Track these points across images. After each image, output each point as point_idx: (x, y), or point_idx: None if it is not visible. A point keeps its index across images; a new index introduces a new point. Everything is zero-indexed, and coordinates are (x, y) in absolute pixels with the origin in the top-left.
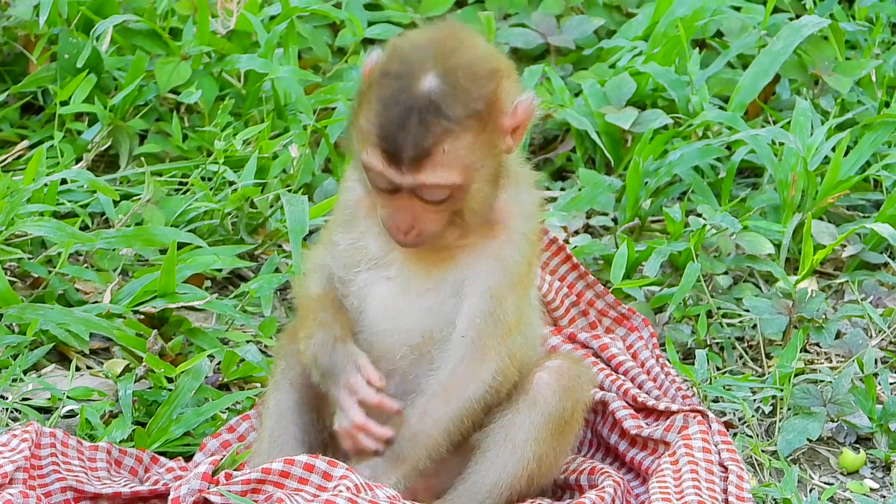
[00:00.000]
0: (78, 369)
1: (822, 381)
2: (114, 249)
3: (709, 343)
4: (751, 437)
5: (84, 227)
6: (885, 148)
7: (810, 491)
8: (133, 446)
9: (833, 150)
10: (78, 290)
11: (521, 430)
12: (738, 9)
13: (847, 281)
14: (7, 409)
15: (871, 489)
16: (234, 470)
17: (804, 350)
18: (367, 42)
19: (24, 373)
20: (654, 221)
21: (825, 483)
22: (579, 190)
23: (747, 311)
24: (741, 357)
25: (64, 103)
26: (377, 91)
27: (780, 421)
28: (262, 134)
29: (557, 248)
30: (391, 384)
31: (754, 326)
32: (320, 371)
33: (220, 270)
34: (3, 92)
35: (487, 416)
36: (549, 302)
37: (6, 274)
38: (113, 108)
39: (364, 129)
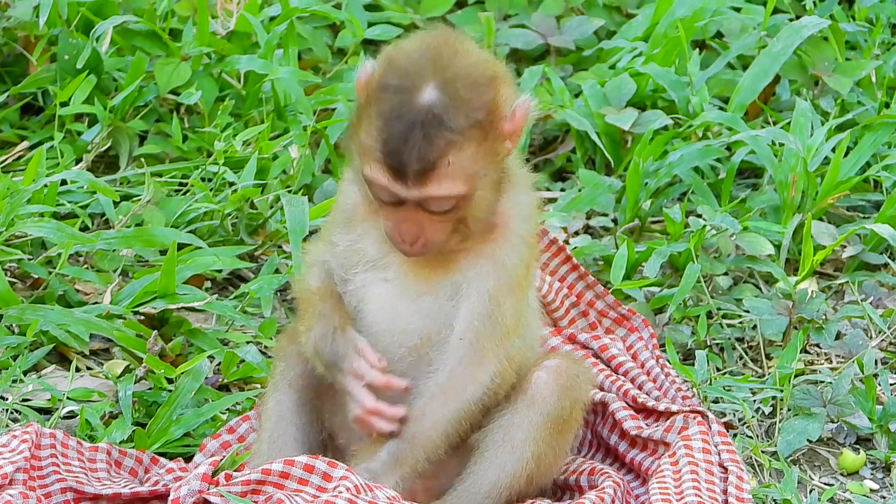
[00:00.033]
0: (78, 370)
1: (822, 381)
2: (114, 250)
3: (709, 344)
4: (751, 437)
5: (84, 228)
6: (885, 149)
7: (810, 492)
8: (133, 447)
9: (833, 150)
10: (78, 290)
11: (520, 430)
12: (738, 9)
13: (847, 282)
14: (7, 410)
15: (871, 490)
16: (234, 471)
17: (804, 351)
18: (367, 43)
19: (24, 374)
20: (654, 222)
21: (825, 484)
22: (579, 191)
23: (747, 311)
24: (741, 358)
25: (64, 104)
26: (377, 105)
27: (780, 422)
28: (262, 135)
29: (557, 249)
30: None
31: (754, 327)
32: (323, 362)
33: (220, 271)
34: (3, 93)
35: (486, 417)
36: (549, 303)
37: (6, 275)
38: (113, 109)
39: (366, 145)
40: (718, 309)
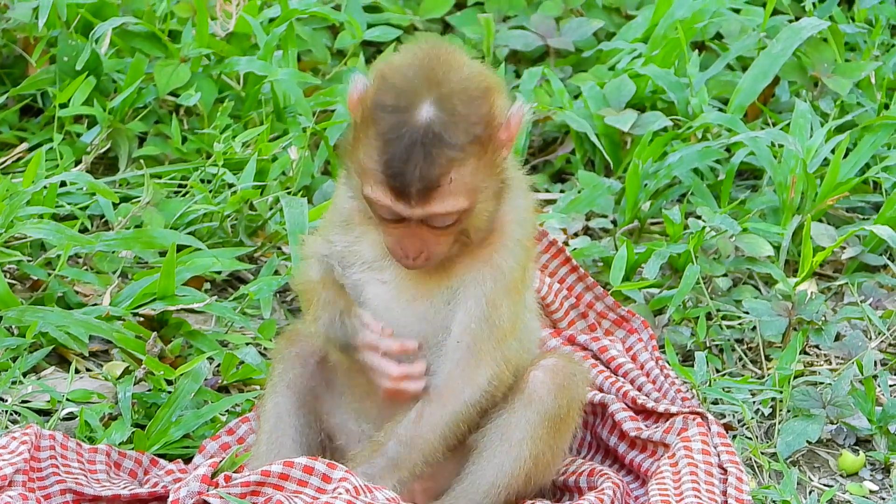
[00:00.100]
0: (77, 371)
1: (821, 383)
2: (113, 252)
3: (708, 345)
4: (750, 439)
5: (83, 230)
6: (885, 150)
7: (810, 493)
8: (132, 448)
9: (832, 152)
10: (77, 292)
11: (518, 429)
12: (737, 11)
13: (846, 283)
14: (6, 412)
15: (871, 491)
16: (234, 472)
17: (804, 352)
18: (367, 44)
19: (24, 375)
20: (653, 223)
21: (824, 485)
22: (579, 192)
23: (747, 313)
24: (741, 359)
25: (63, 106)
26: (375, 126)
27: (779, 423)
28: (262, 136)
29: (557, 251)
30: (381, 396)
31: (754, 328)
32: (337, 346)
33: (219, 273)
34: (2, 94)
35: (483, 418)
36: (549, 304)
37: (6, 276)
38: (112, 111)
39: (366, 166)
40: (718, 310)
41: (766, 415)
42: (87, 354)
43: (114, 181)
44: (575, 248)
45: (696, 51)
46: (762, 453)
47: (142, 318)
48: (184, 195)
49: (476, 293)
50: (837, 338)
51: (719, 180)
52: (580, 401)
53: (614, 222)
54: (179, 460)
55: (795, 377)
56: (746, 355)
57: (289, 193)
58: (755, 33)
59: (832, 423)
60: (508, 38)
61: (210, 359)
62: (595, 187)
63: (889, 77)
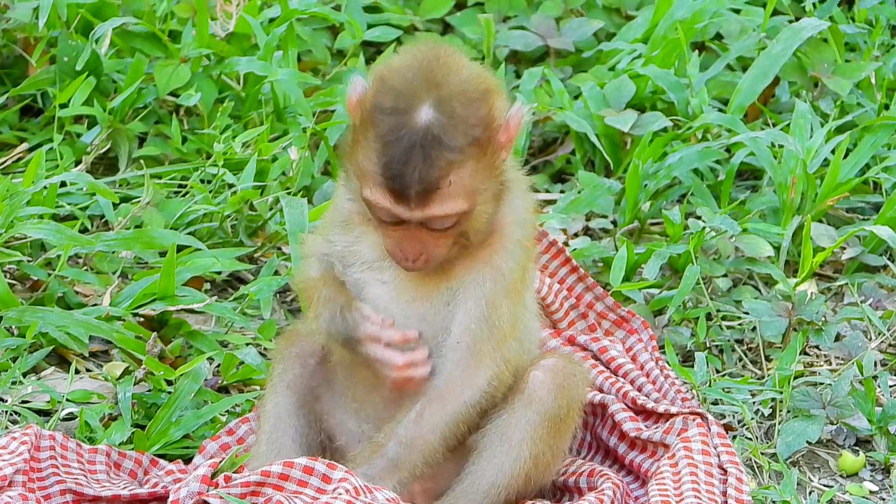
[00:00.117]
0: (77, 372)
1: (821, 383)
2: (113, 252)
3: (708, 345)
4: (750, 439)
5: (83, 230)
6: (885, 150)
7: (810, 493)
8: (132, 449)
9: (832, 152)
10: (77, 292)
11: (517, 430)
12: (737, 11)
13: (846, 283)
14: (6, 412)
15: (871, 492)
16: (234, 472)
17: (804, 352)
18: (367, 44)
19: (24, 375)
20: (653, 224)
21: (824, 485)
22: (579, 192)
23: (747, 313)
24: (741, 359)
25: (63, 106)
26: (374, 128)
27: (779, 423)
28: (262, 136)
29: (557, 251)
30: (388, 388)
31: (754, 329)
32: (339, 341)
33: (219, 273)
34: (2, 94)
35: (483, 418)
36: (549, 304)
37: (6, 276)
38: (112, 111)
39: (365, 168)
40: (718, 311)
41: (765, 415)
42: (87, 355)
43: (114, 181)
44: (575, 249)
45: (697, 51)
46: (762, 454)
47: (142, 319)
48: (184, 195)
49: (476, 294)
50: (837, 338)
51: (719, 181)
52: (580, 401)
53: (614, 223)
54: (179, 461)
55: (795, 378)
56: (746, 356)
57: (289, 194)
58: (755, 34)
59: (832, 423)
60: (508, 38)
61: (210, 359)
62: (595, 188)
63: (889, 77)
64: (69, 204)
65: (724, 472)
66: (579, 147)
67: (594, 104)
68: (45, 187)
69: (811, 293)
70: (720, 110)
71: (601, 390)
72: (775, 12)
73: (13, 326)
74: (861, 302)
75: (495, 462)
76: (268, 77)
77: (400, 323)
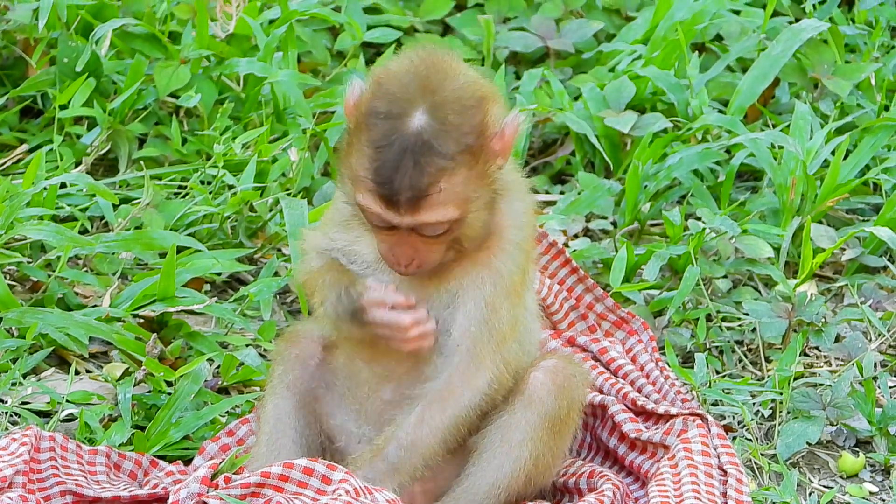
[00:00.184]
0: (77, 373)
1: (821, 384)
2: (113, 253)
3: (708, 347)
4: (750, 440)
5: (83, 231)
6: (885, 151)
7: (809, 494)
8: (132, 450)
9: (832, 153)
10: (77, 293)
11: (518, 431)
12: (737, 12)
13: (846, 284)
14: (6, 413)
15: (871, 493)
16: (234, 474)
17: (803, 354)
18: (367, 46)
19: (24, 376)
20: (653, 225)
21: (824, 486)
22: (579, 193)
23: (747, 314)
24: (740, 361)
25: (63, 107)
26: (367, 132)
27: (779, 424)
28: (262, 138)
29: (557, 252)
30: (387, 390)
31: (753, 330)
32: (346, 320)
33: (219, 274)
34: (2, 96)
35: (484, 420)
36: (549, 306)
37: (6, 278)
38: (112, 112)
39: (357, 173)
40: (718, 312)
41: (765, 416)
42: (86, 356)
43: (114, 182)
44: (575, 250)
45: (696, 52)
46: (762, 455)
47: (142, 320)
48: (184, 197)
49: (475, 296)
50: (837, 339)
51: (719, 182)
52: (580, 402)
53: (614, 224)
54: (179, 462)
55: (795, 379)
56: (746, 357)
57: (289, 195)
58: (755, 35)
59: (832, 424)
60: (508, 39)
61: (210, 360)
62: (595, 189)
63: (889, 79)
64: (69, 205)
65: (724, 473)
66: (579, 148)
67: (594, 105)
68: (45, 188)
69: (811, 294)
70: (720, 111)
71: (601, 391)
72: (775, 13)
73: (13, 328)
74: (861, 303)
75: (495, 463)
76: (268, 78)
77: None
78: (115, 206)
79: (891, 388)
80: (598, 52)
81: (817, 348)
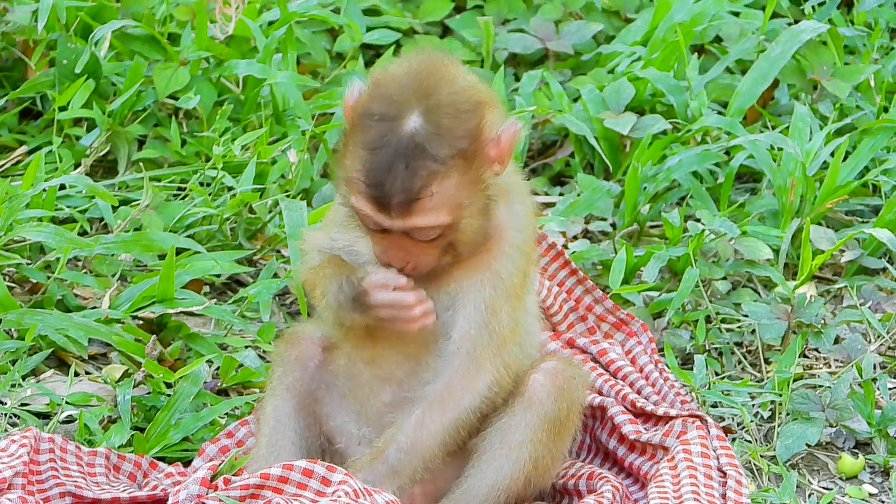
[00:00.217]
0: (76, 374)
1: (820, 386)
2: (112, 255)
3: (707, 348)
4: (749, 442)
5: (83, 233)
6: (884, 153)
7: (809, 496)
8: (132, 451)
9: (832, 155)
10: (77, 295)
11: (517, 432)
12: (736, 14)
13: (846, 286)
14: (6, 415)
15: (870, 494)
16: (233, 475)
17: (803, 355)
18: (366, 47)
19: (23, 378)
20: (652, 227)
21: (824, 488)
22: (578, 195)
23: (746, 316)
24: (740, 362)
25: (62, 109)
26: (361, 134)
27: (778, 426)
28: (261, 139)
29: (556, 254)
30: (388, 392)
31: (753, 332)
32: (348, 309)
33: (218, 276)
34: (1, 97)
35: (483, 422)
36: (548, 307)
37: (5, 279)
38: (111, 114)
39: (351, 174)
40: (717, 313)
41: (765, 418)
42: (86, 357)
43: (113, 184)
44: (574, 252)
45: (696, 54)
46: (761, 456)
47: (141, 321)
48: (183, 198)
49: (475, 299)
50: (837, 341)
51: (718, 183)
52: (580, 404)
53: (613, 225)
54: (178, 463)
55: (795, 380)
56: (746, 358)
57: (288, 196)
58: (754, 36)
59: (831, 426)
60: (508, 41)
61: (209, 362)
62: (594, 190)
63: (888, 80)
64: (68, 207)
65: (724, 474)
66: (578, 150)
67: (593, 107)
68: (44, 190)
69: (810, 296)
70: (719, 113)
71: (600, 393)
72: (774, 15)
73: (12, 329)
74: (860, 305)
75: (495, 465)
76: (267, 80)
77: None
78: (114, 208)
79: (890, 389)
80: (597, 54)
81: (817, 350)
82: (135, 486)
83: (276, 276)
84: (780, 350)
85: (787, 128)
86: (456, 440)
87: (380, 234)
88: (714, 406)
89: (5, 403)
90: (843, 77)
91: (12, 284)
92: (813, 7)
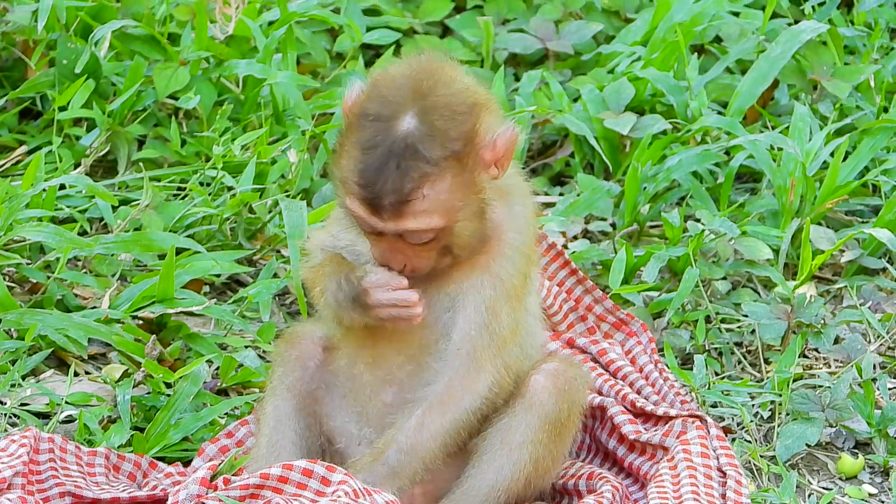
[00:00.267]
0: (76, 374)
1: (820, 386)
2: (112, 255)
3: (707, 348)
4: (749, 442)
5: (83, 233)
6: (884, 153)
7: (809, 496)
8: (131, 451)
9: (832, 155)
10: (76, 295)
11: (518, 433)
12: (736, 14)
13: (846, 286)
14: (6, 415)
15: (870, 494)
16: (233, 475)
17: (803, 355)
18: (366, 47)
19: (23, 378)
20: (652, 227)
21: (824, 488)
22: (578, 195)
23: (746, 316)
24: (740, 362)
25: (62, 109)
26: (357, 133)
27: (778, 426)
28: (261, 139)
29: (556, 254)
30: (389, 393)
31: (753, 332)
32: (347, 307)
33: (218, 276)
34: (1, 97)
35: (484, 423)
36: (548, 307)
37: (5, 279)
38: (111, 114)
39: (345, 175)
40: (717, 313)
41: (765, 418)
42: (86, 357)
43: (113, 184)
44: (574, 252)
45: (696, 54)
46: (761, 456)
47: (141, 321)
48: (183, 198)
49: (475, 300)
50: (836, 341)
51: (718, 183)
52: (581, 405)
53: (613, 225)
54: (178, 463)
55: (794, 380)
56: (745, 358)
57: (288, 196)
58: (754, 36)
59: (831, 426)
60: (508, 41)
61: (209, 362)
62: (594, 190)
63: (888, 80)
64: (68, 206)
65: (724, 474)
66: (578, 150)
67: (593, 107)
68: (44, 190)
69: (810, 296)
70: (719, 113)
71: (600, 393)
72: (774, 15)
73: (12, 329)
74: (860, 305)
75: (495, 465)
76: (267, 80)
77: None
78: (114, 208)
79: (890, 389)
80: (597, 54)
81: (816, 350)
82: (134, 486)
83: (275, 276)
84: (779, 350)
85: (787, 128)
86: (456, 441)
87: (375, 237)
88: (714, 406)
89: (5, 403)
90: (843, 77)
91: (12, 284)
92: (813, 7)
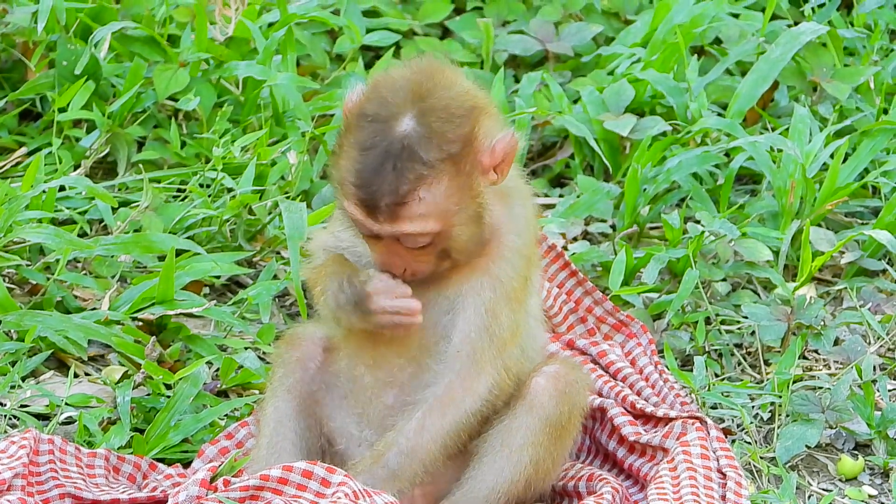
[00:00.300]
0: (76, 376)
1: (820, 387)
2: (112, 256)
3: (707, 350)
4: (749, 443)
5: (82, 234)
6: (884, 154)
7: (809, 497)
8: (131, 453)
9: (831, 156)
10: (76, 296)
11: (518, 435)
12: (736, 16)
13: (845, 287)
14: (5, 416)
15: (870, 496)
16: (233, 476)
17: (803, 357)
18: (366, 49)
19: (23, 379)
20: (652, 228)
21: (824, 490)
22: (578, 197)
23: (746, 317)
24: (740, 364)
25: (62, 110)
26: (355, 134)
27: (778, 427)
28: (261, 141)
29: (556, 255)
30: (390, 395)
31: (753, 333)
32: (347, 310)
33: (218, 277)
34: (1, 99)
35: (485, 425)
36: (548, 309)
37: (4, 281)
38: (111, 115)
39: (343, 177)
40: (717, 315)
41: (765, 419)
42: (85, 359)
43: (113, 185)
44: (574, 253)
45: (696, 55)
46: (761, 458)
47: (140, 323)
48: (183, 200)
49: (475, 303)
50: (836, 342)
51: (718, 185)
52: (582, 407)
53: (613, 227)
54: (178, 465)
55: (794, 382)
56: (745, 360)
57: (288, 198)
58: (754, 38)
59: (831, 427)
60: (508, 42)
61: (209, 363)
62: (594, 192)
63: (888, 82)
64: (68, 208)
65: (724, 476)
66: (578, 151)
67: (593, 108)
68: (43, 191)
69: (810, 297)
70: (719, 115)
71: (600, 394)
72: (774, 17)
73: (12, 330)
74: (860, 306)
75: (496, 467)
76: (267, 81)
77: None
78: (114, 210)
79: (890, 391)
80: (597, 56)
81: (816, 351)
82: (134, 487)
83: (275, 277)
84: (779, 351)
85: (787, 129)
86: (456, 443)
87: (373, 240)
88: (714, 407)
89: (5, 405)
90: (842, 79)
91: (12, 286)
92: (813, 9)
